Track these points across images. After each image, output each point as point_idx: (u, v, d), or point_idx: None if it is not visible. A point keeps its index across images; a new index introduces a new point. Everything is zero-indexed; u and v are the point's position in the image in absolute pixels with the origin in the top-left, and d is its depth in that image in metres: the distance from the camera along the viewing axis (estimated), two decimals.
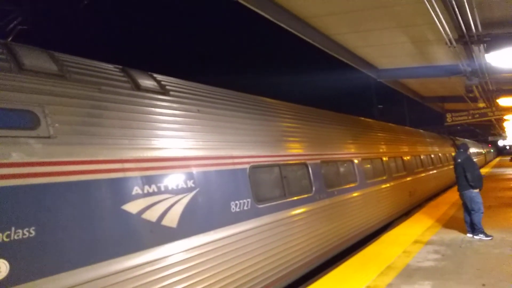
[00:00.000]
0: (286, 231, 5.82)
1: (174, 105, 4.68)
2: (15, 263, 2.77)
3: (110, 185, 3.56)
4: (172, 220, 4.02)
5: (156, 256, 3.78)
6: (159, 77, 4.90)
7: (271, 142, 6.14)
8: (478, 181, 7.61)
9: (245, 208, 5.07)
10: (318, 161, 7.26)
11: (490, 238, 7.37)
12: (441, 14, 6.31)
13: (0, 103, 3.01)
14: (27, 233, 2.87)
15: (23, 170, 2.99)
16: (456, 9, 6.31)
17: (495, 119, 21.33)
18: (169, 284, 3.87)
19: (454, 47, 7.88)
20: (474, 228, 7.62)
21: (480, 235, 7.48)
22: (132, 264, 3.54)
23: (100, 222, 3.41)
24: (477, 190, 7.58)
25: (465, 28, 7.17)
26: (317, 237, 6.70)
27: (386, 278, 5.54)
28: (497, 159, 55.85)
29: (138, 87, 4.35)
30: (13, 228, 2.80)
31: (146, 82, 4.53)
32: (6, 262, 2.71)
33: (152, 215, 3.82)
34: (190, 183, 4.35)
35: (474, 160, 7.42)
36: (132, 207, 3.66)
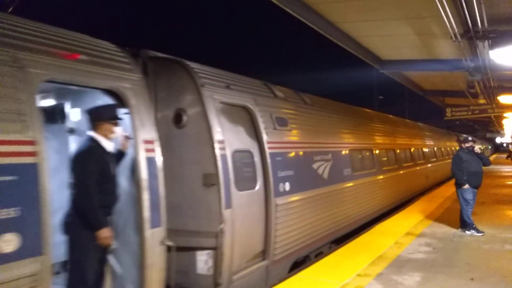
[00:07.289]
0: (364, 191, 9.22)
1: (314, 112, 7.70)
2: (292, 184, 6.13)
3: (308, 154, 6.92)
4: (325, 174, 7.33)
5: (322, 192, 7.13)
6: (302, 94, 7.77)
7: (356, 134, 9.57)
8: (458, 177, 7.76)
9: (348, 174, 8.41)
10: (377, 148, 10.67)
11: (481, 234, 7.46)
12: (448, 7, 6.24)
13: (279, 115, 6.24)
14: (286, 174, 6.02)
15: (278, 146, 6.00)
16: (464, 3, 6.24)
17: (494, 116, 21.35)
18: (326, 205, 7.31)
19: (459, 42, 7.83)
20: (465, 223, 7.71)
21: (471, 230, 7.57)
22: (318, 192, 6.96)
23: (316, 170, 7.08)
24: (466, 187, 7.65)
25: (471, 23, 7.10)
26: (376, 198, 10.10)
27: (376, 268, 5.64)
28: (494, 155, 55.95)
29: (305, 102, 7.51)
30: (279, 171, 5.85)
31: (305, 98, 7.60)
32: (288, 184, 6.04)
33: (319, 171, 7.17)
34: (329, 156, 7.61)
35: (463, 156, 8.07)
36: (314, 166, 7.04)
